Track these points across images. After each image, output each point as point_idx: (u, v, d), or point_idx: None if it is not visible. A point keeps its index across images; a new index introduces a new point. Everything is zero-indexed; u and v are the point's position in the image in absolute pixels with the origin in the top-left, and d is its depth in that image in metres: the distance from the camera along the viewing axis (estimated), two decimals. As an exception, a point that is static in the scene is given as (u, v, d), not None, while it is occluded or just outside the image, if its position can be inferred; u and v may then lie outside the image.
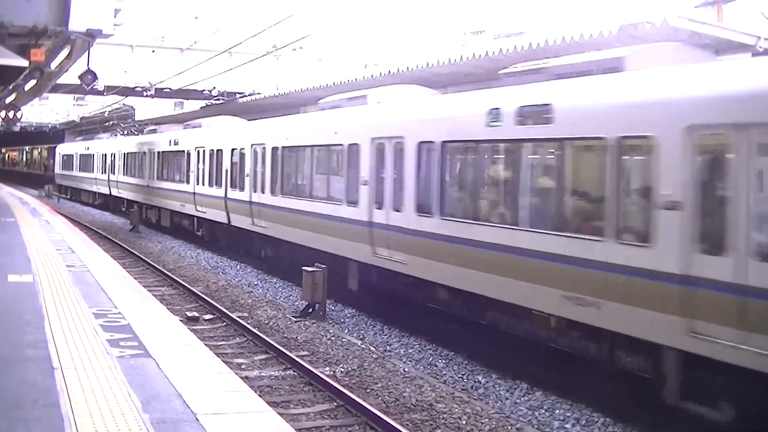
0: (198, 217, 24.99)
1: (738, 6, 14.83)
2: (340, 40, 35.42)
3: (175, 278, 18.43)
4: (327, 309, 14.79)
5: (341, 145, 15.10)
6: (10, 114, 25.18)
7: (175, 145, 27.45)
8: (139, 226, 30.85)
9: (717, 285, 7.55)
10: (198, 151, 24.67)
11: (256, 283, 18.70)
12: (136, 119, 41.07)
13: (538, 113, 9.92)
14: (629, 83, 9.08)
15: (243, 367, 11.16)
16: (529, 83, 10.54)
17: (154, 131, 32.51)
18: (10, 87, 22.51)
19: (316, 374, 10.45)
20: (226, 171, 21.90)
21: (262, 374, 10.86)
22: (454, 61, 15.63)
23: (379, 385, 10.37)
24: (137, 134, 37.15)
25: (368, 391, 10.17)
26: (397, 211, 13.02)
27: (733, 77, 8.05)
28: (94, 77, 17.40)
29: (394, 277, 13.56)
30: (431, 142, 12.18)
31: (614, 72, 9.40)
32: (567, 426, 9.07)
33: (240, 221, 20.79)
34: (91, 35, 14.71)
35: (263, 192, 19.04)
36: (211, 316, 14.64)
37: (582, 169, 9.96)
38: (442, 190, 12.05)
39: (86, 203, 45.22)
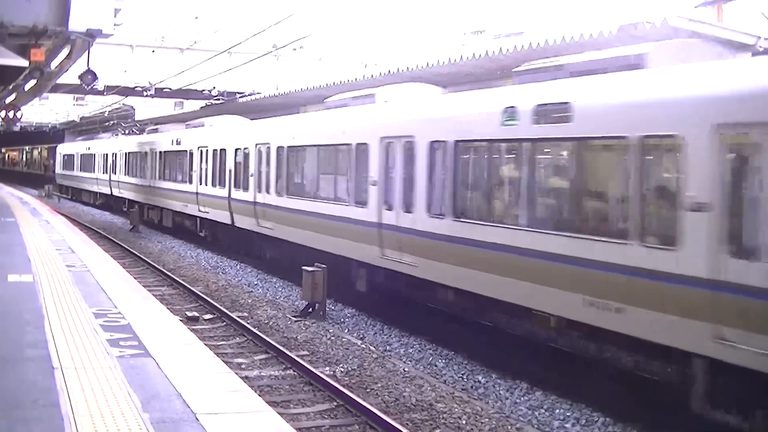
0: (201, 218, 24.79)
1: (738, 6, 14.82)
2: (340, 39, 35.43)
3: (175, 278, 18.43)
4: (327, 309, 14.79)
5: (349, 144, 14.82)
6: (10, 114, 25.17)
7: (177, 144, 27.24)
8: (139, 225, 30.83)
9: (747, 290, 7.26)
10: (201, 151, 24.46)
11: (256, 282, 18.70)
12: (136, 119, 41.03)
13: (556, 112, 9.64)
14: (652, 80, 8.80)
15: (243, 366, 11.16)
16: (545, 81, 10.30)
17: (155, 131, 32.30)
18: (10, 87, 22.51)
19: (316, 374, 10.45)
20: (230, 171, 21.67)
21: (262, 374, 10.86)
22: (454, 61, 15.62)
23: (379, 385, 10.37)
24: (139, 134, 36.91)
25: (368, 390, 10.17)
26: (408, 212, 12.75)
27: (762, 74, 7.78)
28: (94, 77, 17.38)
29: (403, 280, 13.29)
30: (443, 141, 11.90)
31: (635, 69, 9.14)
32: (567, 426, 9.07)
33: (244, 222, 20.52)
34: (91, 35, 14.70)
35: (268, 192, 18.76)
36: (211, 316, 14.65)
37: (603, 169, 9.69)
38: (455, 191, 11.73)
39: (87, 203, 45.07)
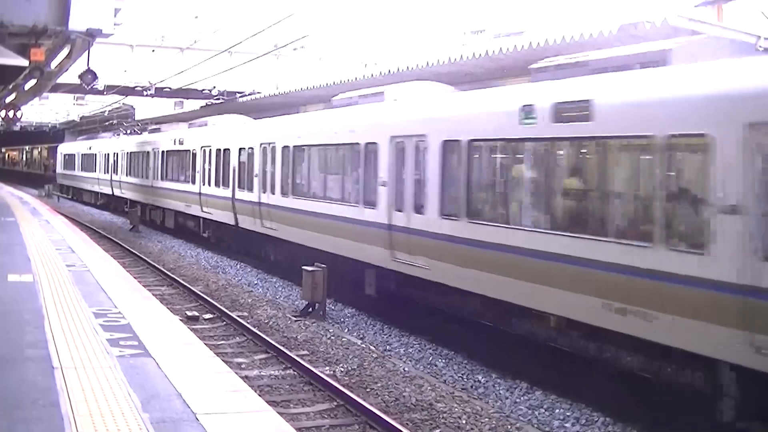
0: (204, 219, 24.54)
1: (738, 5, 14.81)
2: (340, 39, 35.42)
3: (175, 278, 18.43)
4: (327, 308, 14.79)
5: (357, 144, 14.52)
6: (10, 113, 25.18)
7: (180, 144, 27.00)
8: (138, 225, 30.82)
9: None
10: (204, 151, 24.21)
11: (256, 282, 18.70)
12: (136, 119, 40.99)
13: (577, 110, 9.33)
14: (680, 77, 8.47)
15: (243, 366, 11.16)
16: (564, 78, 10.00)
17: (157, 130, 32.06)
18: (10, 86, 22.51)
19: (316, 374, 10.45)
20: (234, 171, 21.36)
21: (262, 374, 10.86)
22: (454, 61, 15.61)
23: (379, 385, 10.37)
24: (140, 133, 36.70)
25: (368, 390, 10.17)
26: (419, 213, 12.44)
27: None
28: (94, 77, 17.37)
29: (414, 283, 13.02)
30: (457, 140, 11.58)
31: (658, 66, 8.85)
32: (567, 425, 9.07)
33: (248, 223, 20.22)
34: (91, 35, 14.69)
35: (273, 193, 18.49)
36: (211, 316, 14.65)
37: (626, 169, 9.31)
38: (469, 192, 11.40)
39: (88, 203, 44.84)
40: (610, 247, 8.79)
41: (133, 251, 23.01)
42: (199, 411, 5.74)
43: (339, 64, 30.85)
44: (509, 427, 8.93)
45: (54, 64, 18.04)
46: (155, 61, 29.77)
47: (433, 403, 9.62)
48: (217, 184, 22.84)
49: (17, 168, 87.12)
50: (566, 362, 10.77)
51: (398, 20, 49.31)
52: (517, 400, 9.90)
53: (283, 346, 12.07)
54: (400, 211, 12.97)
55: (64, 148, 53.14)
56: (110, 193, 38.71)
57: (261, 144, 19.44)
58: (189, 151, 25.83)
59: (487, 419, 9.11)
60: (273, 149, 18.62)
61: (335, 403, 9.56)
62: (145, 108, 39.12)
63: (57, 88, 28.98)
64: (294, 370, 10.93)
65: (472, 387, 10.51)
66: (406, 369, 11.15)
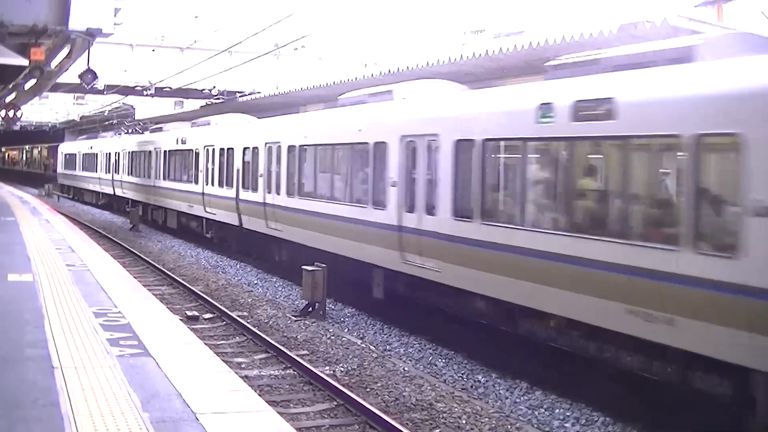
0: (207, 219, 24.22)
1: (738, 5, 14.82)
2: (340, 39, 35.45)
3: (175, 277, 18.43)
4: (327, 308, 14.79)
5: (366, 143, 14.17)
6: (10, 113, 25.20)
7: (182, 143, 26.65)
8: (139, 225, 30.81)
9: None
10: (207, 150, 23.89)
11: (255, 282, 18.70)
12: (136, 118, 40.96)
13: (598, 108, 8.98)
14: (709, 74, 8.11)
15: (243, 366, 11.16)
16: (582, 76, 9.64)
17: (160, 129, 31.75)
18: (10, 86, 22.53)
19: (316, 373, 10.45)
20: (238, 171, 21.01)
21: (262, 373, 10.86)
22: (454, 60, 15.63)
23: (379, 385, 10.37)
24: (142, 133, 36.46)
25: (368, 390, 10.17)
26: (431, 214, 12.09)
27: None
28: (94, 76, 17.39)
29: (425, 286, 12.69)
30: (471, 140, 11.21)
31: (684, 63, 8.48)
32: (567, 425, 9.07)
33: (253, 224, 19.90)
34: (91, 34, 14.72)
35: (278, 193, 18.12)
36: (210, 315, 14.65)
37: (650, 169, 8.98)
38: (484, 193, 11.05)
39: (90, 203, 44.57)
40: (634, 251, 8.46)
41: (133, 251, 23.01)
42: (199, 411, 5.74)
43: (339, 64, 30.88)
44: (509, 426, 8.93)
45: (54, 63, 18.07)
46: (155, 60, 29.80)
47: (433, 402, 9.62)
48: (220, 185, 22.51)
49: (17, 167, 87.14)
50: (566, 362, 10.77)
51: (398, 20, 49.36)
52: (517, 400, 9.90)
53: (283, 345, 12.07)
54: (410, 212, 12.68)
55: (65, 148, 52.74)
56: (112, 193, 38.44)
57: (266, 143, 19.11)
58: (192, 150, 25.48)
59: (487, 419, 9.11)
60: (278, 149, 18.30)
61: (335, 403, 9.56)
62: (145, 108, 39.15)
63: (57, 88, 29.02)
64: (294, 370, 10.93)
65: (472, 387, 10.51)
66: (406, 369, 11.16)
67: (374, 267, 14.13)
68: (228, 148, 22.02)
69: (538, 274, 9.84)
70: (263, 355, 11.84)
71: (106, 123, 46.22)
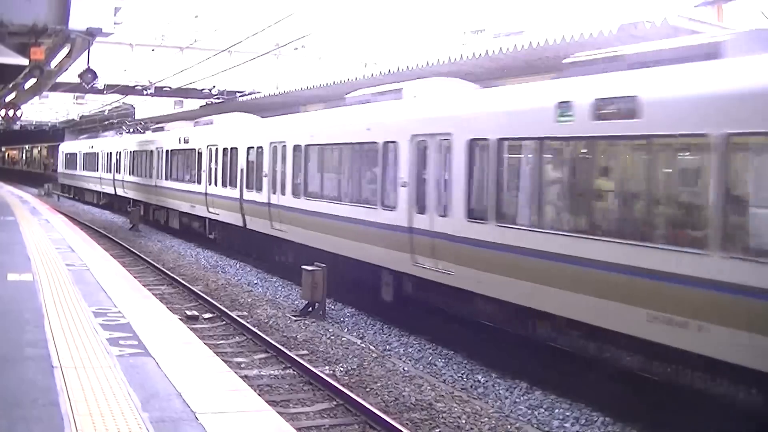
0: (210, 219, 23.96)
1: (738, 5, 14.83)
2: (340, 39, 35.44)
3: (175, 277, 18.43)
4: (327, 308, 14.79)
5: (375, 143, 13.85)
6: (10, 112, 25.19)
7: (185, 143, 26.35)
8: (138, 224, 30.79)
9: None
10: (210, 150, 23.58)
11: (255, 282, 18.70)
12: (135, 118, 40.93)
13: (621, 106, 8.69)
14: (740, 71, 7.81)
15: (242, 366, 11.16)
16: (602, 73, 9.36)
17: (162, 129, 31.51)
18: (10, 85, 22.53)
19: (316, 373, 10.45)
20: (242, 171, 20.71)
21: (262, 373, 10.86)
22: (454, 60, 15.64)
23: (379, 384, 10.37)
24: (143, 132, 36.23)
25: (368, 390, 10.18)
26: (443, 215, 11.80)
27: None
28: (94, 76, 17.39)
29: (436, 289, 12.43)
30: (485, 139, 10.93)
31: (710, 59, 8.20)
32: (566, 425, 9.07)
33: (257, 224, 19.60)
34: (91, 34, 14.72)
35: (284, 194, 17.84)
36: (210, 315, 14.65)
37: (677, 170, 8.67)
38: (499, 194, 10.75)
39: (91, 203, 44.36)
40: (658, 255, 8.18)
41: (133, 250, 23.01)
42: (199, 410, 5.74)
43: (339, 64, 30.89)
44: (509, 426, 8.93)
45: (54, 63, 18.07)
46: (155, 60, 29.81)
47: (432, 402, 9.62)
48: (224, 184, 22.16)
49: (17, 167, 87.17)
50: (566, 362, 10.77)
51: (398, 20, 49.35)
52: (517, 400, 9.90)
53: (283, 345, 12.07)
54: (421, 213, 12.38)
55: (65, 147, 52.40)
56: (113, 193, 38.24)
57: (271, 143, 18.80)
58: (194, 150, 25.19)
59: (486, 419, 9.11)
60: (284, 148, 17.99)
61: (335, 403, 9.56)
62: (144, 107, 39.15)
63: (57, 87, 29.04)
64: (294, 370, 10.93)
65: (471, 387, 10.52)
66: (406, 369, 11.16)
67: (383, 269, 13.87)
68: (231, 148, 21.73)
69: (554, 278, 9.59)
70: (263, 355, 11.84)
71: (106, 123, 46.20)
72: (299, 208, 16.99)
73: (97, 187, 41.90)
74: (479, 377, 10.83)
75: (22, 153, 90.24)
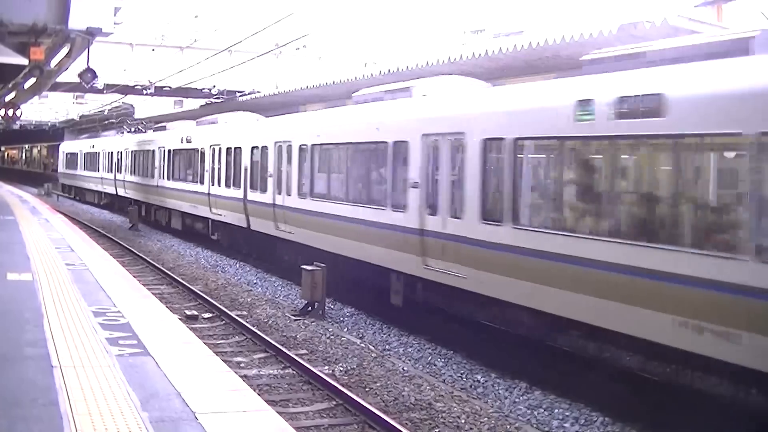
0: (213, 220, 23.73)
1: (738, 5, 14.83)
2: (339, 38, 35.49)
3: (175, 277, 18.43)
4: (326, 308, 14.79)
5: (385, 142, 13.53)
6: (10, 112, 25.17)
7: (187, 143, 26.09)
8: (138, 224, 30.78)
9: None
10: (213, 149, 23.24)
11: (255, 281, 18.70)
12: (135, 117, 40.89)
13: (645, 104, 8.39)
14: None
15: (242, 365, 11.16)
16: (624, 70, 9.09)
17: (163, 128, 31.31)
18: (10, 85, 22.52)
19: (315, 373, 10.45)
20: (246, 171, 20.42)
21: (261, 373, 10.86)
22: (454, 60, 15.64)
23: (378, 384, 10.37)
24: (145, 131, 36.02)
25: (367, 390, 10.18)
26: (456, 217, 11.52)
27: None
28: (94, 75, 17.37)
29: (448, 293, 12.13)
30: (500, 138, 10.62)
31: (739, 56, 7.95)
32: (566, 425, 9.07)
33: (261, 225, 19.33)
34: (91, 33, 14.72)
35: (289, 194, 17.54)
36: (210, 315, 14.65)
37: (705, 170, 8.32)
38: (515, 195, 10.41)
39: (92, 203, 44.16)
40: (687, 259, 7.85)
41: (133, 250, 23.00)
42: (198, 410, 5.74)
43: (339, 64, 30.90)
44: (508, 426, 8.93)
45: (54, 62, 18.07)
46: (155, 59, 29.83)
47: (432, 402, 9.62)
48: (227, 185, 21.88)
49: (17, 167, 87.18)
50: (565, 362, 10.77)
51: (398, 20, 49.37)
52: (516, 400, 9.90)
53: (283, 345, 12.07)
54: (433, 214, 12.07)
55: (66, 147, 52.09)
56: (114, 193, 38.03)
57: (276, 143, 18.52)
58: (197, 149, 24.94)
59: (486, 419, 9.11)
60: (289, 148, 17.70)
61: (334, 403, 9.56)
62: (144, 107, 39.14)
63: (57, 87, 29.05)
64: (293, 370, 10.93)
65: (471, 386, 10.51)
66: (405, 368, 11.16)
67: (392, 272, 13.61)
68: (235, 148, 21.46)
69: (576, 283, 9.26)
70: (262, 355, 11.84)
71: (106, 122, 46.16)
72: (305, 209, 16.71)
73: (98, 187, 41.67)
74: (479, 377, 10.83)
75: (22, 153, 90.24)
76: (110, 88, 30.41)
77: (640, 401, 9.28)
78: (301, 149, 17.05)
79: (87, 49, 16.43)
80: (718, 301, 7.54)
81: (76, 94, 42.33)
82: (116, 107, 41.23)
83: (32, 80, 20.64)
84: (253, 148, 20.12)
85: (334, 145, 15.97)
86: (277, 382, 10.50)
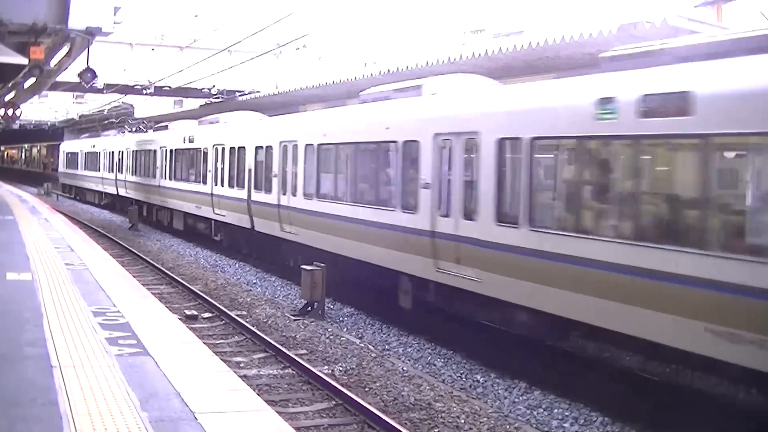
0: (215, 221, 23.49)
1: (738, 5, 14.83)
2: (339, 38, 35.50)
3: (174, 276, 18.42)
4: (326, 307, 14.79)
5: (394, 142, 13.24)
6: (9, 112, 25.19)
7: (189, 142, 25.81)
8: (137, 224, 30.76)
9: None
10: (216, 149, 22.92)
11: (255, 281, 18.70)
12: (135, 117, 40.86)
13: (672, 103, 8.05)
14: None
15: (242, 365, 11.16)
16: (647, 67, 8.74)
17: (165, 128, 31.07)
18: (10, 85, 22.53)
19: (315, 373, 10.44)
20: (250, 171, 20.11)
21: (261, 373, 10.86)
22: (454, 60, 15.64)
23: (378, 384, 10.37)
24: (146, 131, 35.83)
25: (367, 389, 10.18)
26: (469, 219, 11.20)
27: None
28: (94, 75, 17.38)
29: (461, 296, 11.83)
30: (517, 138, 10.30)
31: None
32: (565, 425, 9.07)
33: (266, 227, 18.98)
34: (91, 33, 14.73)
35: (295, 195, 17.23)
36: (209, 315, 14.65)
37: (737, 171, 8.01)
38: (532, 196, 10.10)
39: (92, 203, 43.98)
40: (716, 263, 7.54)
41: (132, 250, 23.00)
42: (198, 410, 5.74)
43: (339, 64, 30.91)
44: (508, 426, 8.93)
45: (53, 62, 18.08)
46: (155, 59, 29.84)
47: (431, 402, 9.62)
48: (230, 185, 21.57)
49: (16, 166, 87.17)
50: (565, 362, 10.77)
51: (398, 20, 49.38)
52: (516, 400, 9.90)
53: (282, 345, 12.07)
54: (445, 216, 11.76)
55: (67, 146, 51.73)
56: (115, 193, 37.82)
57: (281, 142, 18.16)
58: (200, 149, 24.67)
59: (485, 419, 9.11)
60: (295, 148, 17.36)
61: (334, 403, 9.56)
62: (144, 107, 39.13)
63: (56, 87, 29.07)
64: (293, 369, 10.93)
65: (470, 386, 10.51)
66: (405, 368, 11.16)
67: (401, 275, 13.30)
68: (239, 147, 21.16)
69: (598, 287, 8.94)
70: (262, 355, 11.84)
71: (106, 122, 46.14)
72: (311, 210, 16.39)
73: (99, 187, 41.46)
74: (478, 377, 10.83)
75: (22, 152, 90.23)
76: (110, 87, 30.41)
77: (639, 401, 9.28)
78: (307, 149, 16.76)
79: (87, 49, 16.45)
80: (754, 307, 7.19)
81: (76, 93, 42.36)
82: (116, 107, 41.20)
83: (32, 80, 20.65)
84: (257, 147, 19.85)
85: (341, 145, 15.61)
86: (276, 382, 10.50)
